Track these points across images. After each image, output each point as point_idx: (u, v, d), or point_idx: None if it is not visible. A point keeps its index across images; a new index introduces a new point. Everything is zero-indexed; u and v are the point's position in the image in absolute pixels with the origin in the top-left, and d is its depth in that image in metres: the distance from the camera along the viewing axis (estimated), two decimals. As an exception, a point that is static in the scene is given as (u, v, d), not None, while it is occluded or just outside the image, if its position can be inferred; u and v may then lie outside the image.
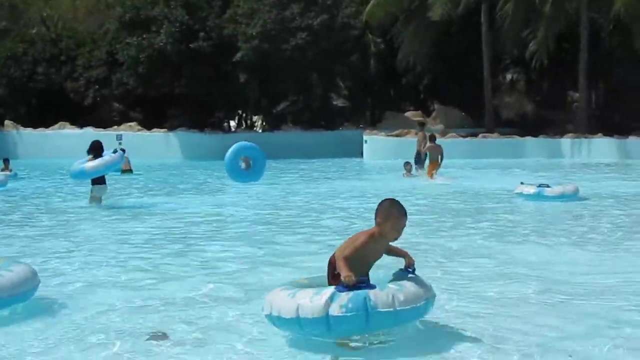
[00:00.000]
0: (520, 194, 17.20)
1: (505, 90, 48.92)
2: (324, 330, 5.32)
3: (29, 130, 47.36)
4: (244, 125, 50.39)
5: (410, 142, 36.16)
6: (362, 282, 5.40)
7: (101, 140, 17.87)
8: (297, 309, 5.31)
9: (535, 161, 33.43)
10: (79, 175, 17.05)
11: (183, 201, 18.55)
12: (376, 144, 36.90)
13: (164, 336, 6.08)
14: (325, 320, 5.21)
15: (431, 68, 43.93)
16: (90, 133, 45.18)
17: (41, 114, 46.94)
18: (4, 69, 47.13)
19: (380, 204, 5.88)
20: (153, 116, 46.26)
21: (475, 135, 38.21)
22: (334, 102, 47.97)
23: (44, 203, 18.44)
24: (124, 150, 17.82)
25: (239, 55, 39.15)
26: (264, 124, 51.02)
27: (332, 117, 45.40)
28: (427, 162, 24.27)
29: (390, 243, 5.93)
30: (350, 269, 5.41)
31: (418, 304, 5.40)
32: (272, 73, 41.37)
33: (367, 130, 39.26)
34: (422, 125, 28.70)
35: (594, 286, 7.89)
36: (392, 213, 5.77)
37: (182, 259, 10.03)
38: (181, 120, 43.25)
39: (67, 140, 44.81)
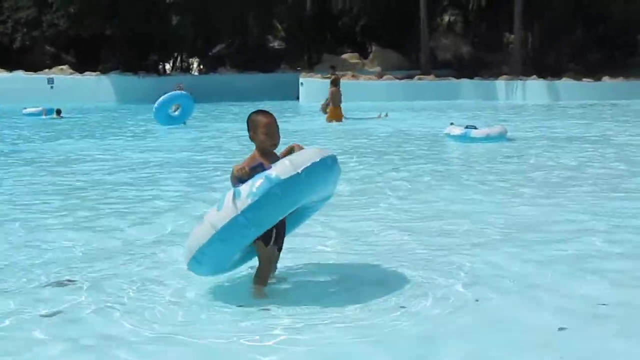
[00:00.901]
0: (448, 135, 17.23)
1: (442, 32, 48.82)
2: (246, 230, 4.99)
3: (-45, 74, 46.02)
4: (180, 68, 49.64)
5: (345, 85, 36.15)
6: (256, 168, 5.22)
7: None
8: (212, 226, 4.99)
9: (470, 103, 33.49)
10: None
11: (105, 145, 18.18)
12: (312, 87, 36.52)
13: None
14: (242, 218, 4.91)
15: (367, 10, 43.61)
16: (20, 77, 44.08)
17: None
18: None
19: (248, 120, 5.57)
20: (86, 59, 45.21)
21: (411, 77, 38.12)
22: (271, 45, 47.44)
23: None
24: None
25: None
26: (201, 66, 50.39)
27: (269, 59, 44.87)
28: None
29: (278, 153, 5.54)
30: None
31: (316, 159, 5.09)
32: (207, 13, 40.64)
33: (303, 73, 38.90)
34: (333, 69, 28.39)
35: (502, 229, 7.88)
36: (257, 120, 5.48)
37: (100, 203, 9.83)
38: (115, 62, 42.36)
39: (-4, 84, 43.70)
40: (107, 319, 5.02)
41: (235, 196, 4.92)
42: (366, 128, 21.52)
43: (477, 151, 15.19)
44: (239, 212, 4.87)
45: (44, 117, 29.70)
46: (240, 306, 5.22)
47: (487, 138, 16.38)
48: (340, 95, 24.44)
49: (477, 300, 5.22)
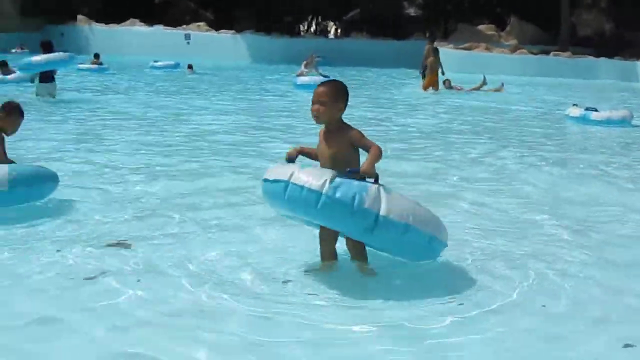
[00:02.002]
0: (568, 116, 16.50)
1: (585, 7, 46.78)
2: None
3: (101, 25, 47.78)
4: (315, 31, 49.83)
5: (477, 56, 35.36)
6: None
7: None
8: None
9: (607, 83, 32.00)
10: (26, 67, 17.94)
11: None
12: (443, 57, 35.70)
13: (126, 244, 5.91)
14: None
15: (508, -21, 42.38)
16: (160, 31, 45.45)
17: (114, 10, 47.10)
18: (79, -38, 47.29)
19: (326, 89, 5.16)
20: (223, 17, 46.05)
21: (547, 53, 36.78)
22: (406, 12, 46.80)
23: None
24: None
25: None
26: (337, 30, 50.45)
27: (403, 26, 44.30)
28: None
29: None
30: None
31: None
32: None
33: (436, 42, 38.14)
34: (432, 39, 27.81)
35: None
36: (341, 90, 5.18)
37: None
38: (250, 22, 42.88)
39: (137, 37, 45.16)
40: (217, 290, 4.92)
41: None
42: (485, 103, 20.86)
43: (595, 135, 14.43)
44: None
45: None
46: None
47: (608, 121, 15.52)
48: (439, 64, 24.34)
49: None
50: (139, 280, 4.98)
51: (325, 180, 4.65)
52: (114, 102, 18.29)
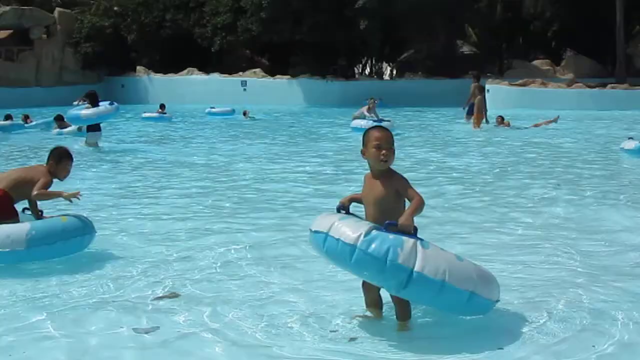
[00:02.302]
0: (623, 149, 16.33)
1: (641, 38, 46.28)
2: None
3: (159, 75, 48.81)
4: (370, 72, 50.17)
5: (532, 92, 35.19)
6: None
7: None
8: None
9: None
10: (74, 119, 19.25)
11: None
12: (498, 93, 35.71)
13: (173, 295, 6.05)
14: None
15: (560, 14, 42.07)
16: (216, 79, 46.24)
17: (171, 60, 48.08)
18: (136, 15, 48.45)
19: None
20: (278, 63, 46.65)
21: (604, 85, 36.38)
22: (460, 50, 46.83)
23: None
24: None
25: (360, 1, 38.76)
26: (393, 71, 50.75)
27: (457, 65, 44.28)
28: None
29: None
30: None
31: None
32: (395, 19, 40.70)
33: (489, 79, 38.04)
34: (477, 77, 27.86)
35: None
36: (369, 134, 5.19)
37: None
38: (304, 67, 43.34)
39: (193, 86, 46.04)
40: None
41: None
42: (541, 139, 20.70)
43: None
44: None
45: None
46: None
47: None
48: (484, 102, 24.81)
49: None
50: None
51: (361, 233, 4.66)
52: (169, 151, 18.71)
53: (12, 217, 7.38)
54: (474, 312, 5.00)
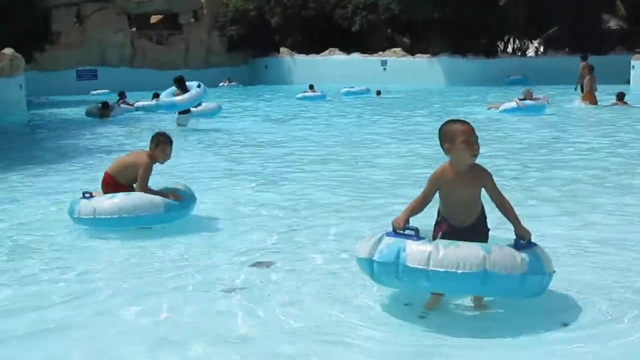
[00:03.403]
0: None
1: None
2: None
3: (302, 56, 49.69)
4: (514, 50, 49.22)
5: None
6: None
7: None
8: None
9: None
10: (171, 107, 19.71)
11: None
12: (645, 70, 34.32)
13: (268, 264, 6.35)
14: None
15: None
16: (357, 59, 46.62)
17: (313, 41, 48.84)
18: (279, -1, 49.45)
19: (439, 131, 5.04)
20: (418, 42, 46.51)
21: None
22: (607, 25, 45.14)
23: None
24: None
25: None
26: (540, 48, 49.55)
27: (605, 40, 42.79)
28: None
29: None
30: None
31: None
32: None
33: (636, 55, 36.50)
34: (584, 57, 27.02)
35: None
36: (454, 129, 4.95)
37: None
38: (444, 45, 43.01)
39: (334, 66, 46.62)
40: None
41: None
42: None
43: None
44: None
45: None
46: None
47: None
48: (593, 81, 24.50)
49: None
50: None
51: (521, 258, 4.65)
52: (294, 128, 19.33)
53: None
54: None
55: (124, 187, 7.85)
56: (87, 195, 7.75)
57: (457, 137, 4.88)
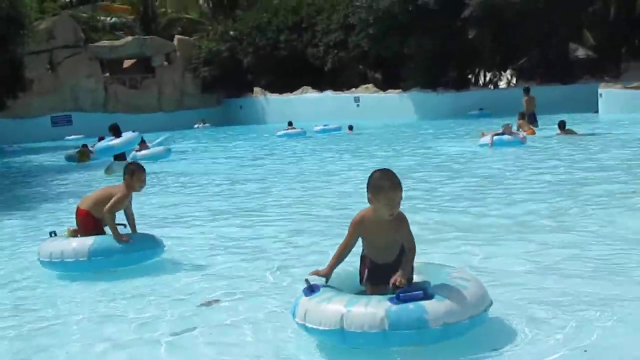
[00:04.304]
0: None
1: None
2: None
3: (275, 95, 50.12)
4: (484, 82, 49.70)
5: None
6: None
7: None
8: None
9: None
10: (106, 150, 20.62)
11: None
12: (612, 98, 34.73)
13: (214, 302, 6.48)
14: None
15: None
16: (330, 96, 47.04)
17: (287, 80, 49.28)
18: (251, 38, 49.96)
19: (370, 177, 5.12)
20: (390, 77, 47.01)
21: None
22: (575, 54, 45.81)
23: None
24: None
25: (467, 10, 38.66)
26: (512, 79, 50.00)
27: (572, 70, 43.35)
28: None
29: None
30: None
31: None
32: (504, 27, 40.29)
33: (603, 84, 37.04)
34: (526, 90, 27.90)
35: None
36: (382, 187, 5.01)
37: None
38: (415, 80, 43.48)
39: (308, 104, 47.05)
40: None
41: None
42: None
43: None
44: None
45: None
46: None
47: None
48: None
49: None
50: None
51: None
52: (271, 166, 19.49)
53: (100, 233, 8.06)
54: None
55: (99, 221, 8.00)
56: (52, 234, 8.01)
57: (382, 194, 4.98)
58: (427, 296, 4.65)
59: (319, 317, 4.68)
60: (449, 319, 4.59)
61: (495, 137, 20.76)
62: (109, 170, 19.24)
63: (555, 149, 19.22)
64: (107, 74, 51.38)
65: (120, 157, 20.21)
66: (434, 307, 4.59)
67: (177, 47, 52.66)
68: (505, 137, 20.69)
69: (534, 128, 24.54)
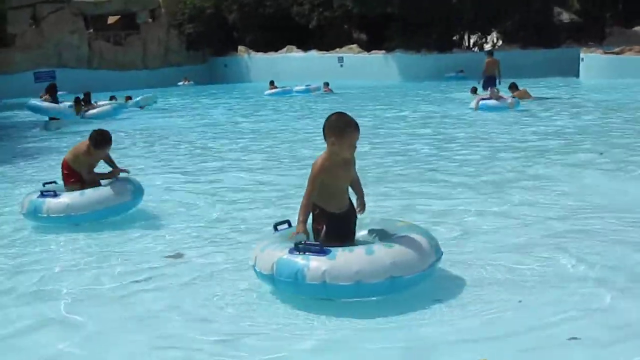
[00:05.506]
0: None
1: None
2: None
3: (259, 54, 50.01)
4: (468, 45, 49.73)
5: (629, 60, 34.08)
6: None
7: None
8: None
9: None
10: (36, 109, 23.99)
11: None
12: (594, 63, 34.90)
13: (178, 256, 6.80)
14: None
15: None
16: (314, 56, 46.99)
17: (272, 38, 49.12)
18: (235, -5, 49.64)
19: (327, 120, 5.31)
20: (375, 38, 46.99)
21: None
22: (559, 18, 45.91)
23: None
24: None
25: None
26: (498, 42, 49.99)
27: (556, 34, 43.50)
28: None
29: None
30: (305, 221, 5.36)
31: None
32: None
33: (584, 48, 37.22)
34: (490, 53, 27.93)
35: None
36: (346, 132, 5.24)
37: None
38: (399, 41, 43.51)
39: (292, 63, 46.99)
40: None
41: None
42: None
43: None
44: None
45: (313, 93, 32.33)
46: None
47: None
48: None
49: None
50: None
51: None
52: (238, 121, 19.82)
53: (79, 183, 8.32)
54: (404, 289, 5.14)
55: (77, 174, 8.28)
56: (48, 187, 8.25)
57: (346, 135, 5.22)
58: (323, 251, 5.00)
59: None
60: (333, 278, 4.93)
61: (481, 102, 21.08)
62: (45, 129, 21.34)
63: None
64: (91, 30, 51.02)
65: (53, 118, 22.88)
66: (316, 263, 4.94)
67: (162, 4, 52.28)
68: (491, 102, 20.91)
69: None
